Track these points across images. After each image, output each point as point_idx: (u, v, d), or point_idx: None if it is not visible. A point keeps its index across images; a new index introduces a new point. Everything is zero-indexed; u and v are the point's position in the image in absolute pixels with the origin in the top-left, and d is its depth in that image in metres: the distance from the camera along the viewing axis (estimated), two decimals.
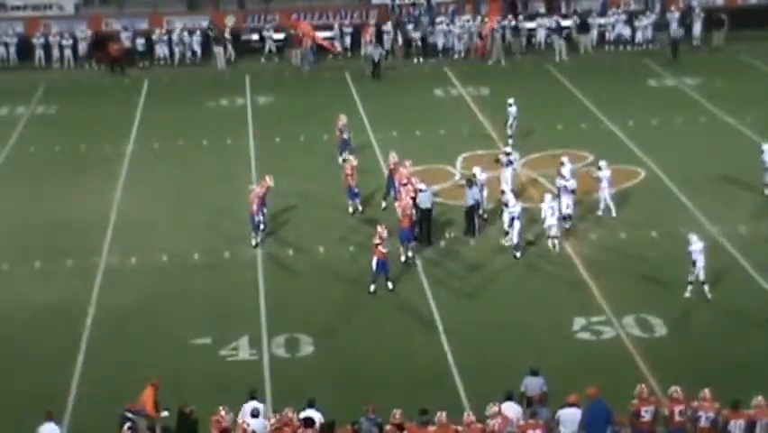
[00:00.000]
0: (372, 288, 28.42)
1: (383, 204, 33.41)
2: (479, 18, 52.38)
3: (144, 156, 39.23)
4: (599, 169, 32.41)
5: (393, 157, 33.40)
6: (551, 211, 30.23)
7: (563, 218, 31.16)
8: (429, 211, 31.24)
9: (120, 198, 35.35)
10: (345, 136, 36.97)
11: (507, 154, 34.03)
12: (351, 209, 33.13)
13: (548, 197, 30.77)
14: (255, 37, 52.47)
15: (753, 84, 46.54)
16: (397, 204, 30.87)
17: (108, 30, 52.40)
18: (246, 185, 35.00)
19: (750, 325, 26.55)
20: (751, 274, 29.05)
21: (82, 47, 51.56)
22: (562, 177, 31.80)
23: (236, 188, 35.25)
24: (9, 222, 33.76)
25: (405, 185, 31.47)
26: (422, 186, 31.37)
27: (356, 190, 33.05)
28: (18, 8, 52.98)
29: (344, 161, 34.91)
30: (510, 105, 38.59)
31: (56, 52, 51.39)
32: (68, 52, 51.33)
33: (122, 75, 50.30)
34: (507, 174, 33.51)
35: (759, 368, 24.34)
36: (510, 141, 37.93)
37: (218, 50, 51.12)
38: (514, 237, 30.22)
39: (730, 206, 33.17)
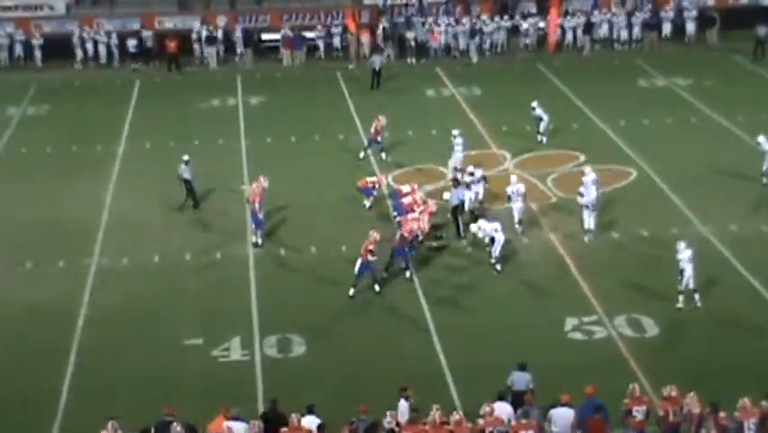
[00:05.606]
0: (351, 292, 28.34)
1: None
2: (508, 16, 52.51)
3: (136, 157, 39.18)
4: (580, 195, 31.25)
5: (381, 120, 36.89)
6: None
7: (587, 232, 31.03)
8: (189, 182, 33.52)
9: (111, 198, 35.30)
10: (379, 138, 37.30)
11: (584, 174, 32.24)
12: (367, 204, 33.40)
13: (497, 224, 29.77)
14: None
15: (743, 84, 46.65)
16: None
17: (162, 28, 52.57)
18: (238, 185, 35.06)
19: (741, 324, 26.61)
20: (742, 273, 29.10)
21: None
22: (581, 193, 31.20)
23: (228, 189, 35.27)
24: (0, 223, 33.67)
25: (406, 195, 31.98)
26: (186, 157, 33.46)
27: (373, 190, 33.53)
28: (9, 8, 52.83)
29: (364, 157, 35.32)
30: (534, 108, 38.70)
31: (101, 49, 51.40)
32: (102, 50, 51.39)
33: (178, 72, 50.17)
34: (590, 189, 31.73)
35: (749, 368, 24.38)
36: (541, 140, 38.53)
37: (210, 50, 51.06)
38: (495, 251, 29.58)
39: (721, 206, 33.21)
